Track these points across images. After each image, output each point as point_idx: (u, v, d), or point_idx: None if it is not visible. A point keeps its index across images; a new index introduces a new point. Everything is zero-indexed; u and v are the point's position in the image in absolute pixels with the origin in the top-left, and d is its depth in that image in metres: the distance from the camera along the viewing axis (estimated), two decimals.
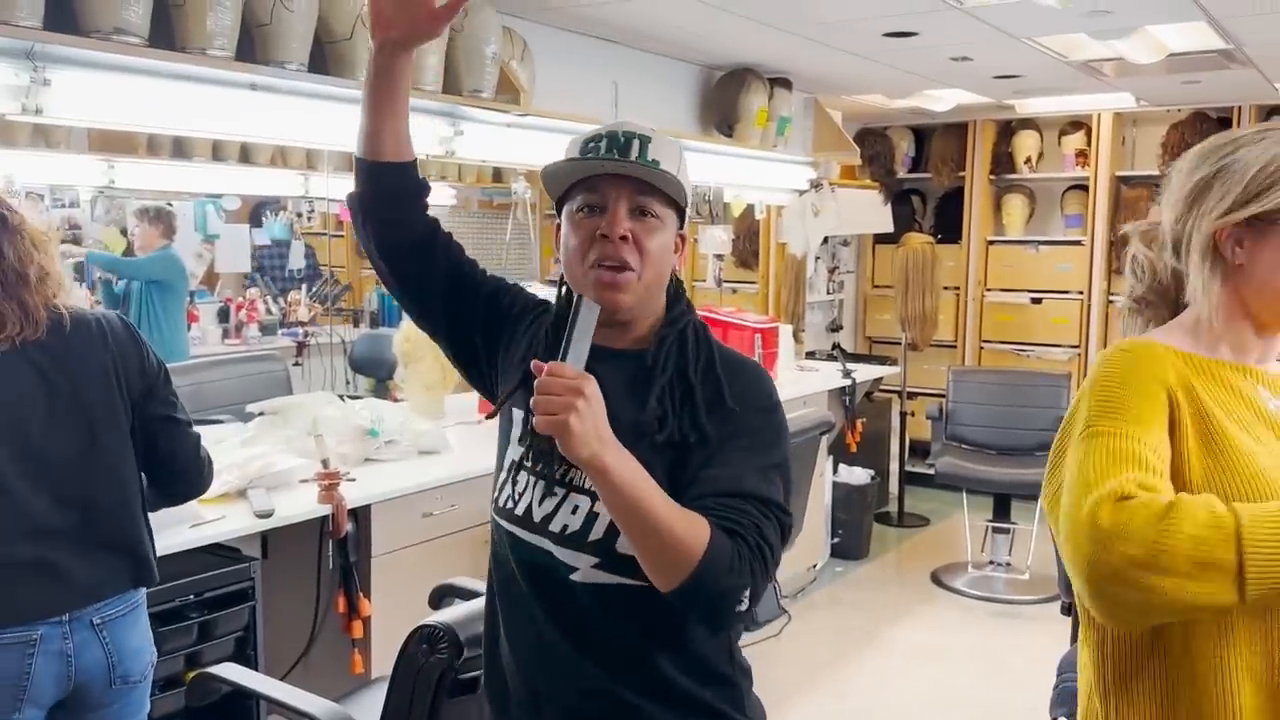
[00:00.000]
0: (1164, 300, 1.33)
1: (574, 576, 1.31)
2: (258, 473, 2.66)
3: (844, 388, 4.78)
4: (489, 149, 3.51)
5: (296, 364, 5.93)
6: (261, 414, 3.14)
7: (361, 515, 2.73)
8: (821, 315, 6.30)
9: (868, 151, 6.42)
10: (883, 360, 5.87)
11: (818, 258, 5.77)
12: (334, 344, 6.18)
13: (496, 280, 1.51)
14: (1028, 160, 6.51)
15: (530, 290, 1.53)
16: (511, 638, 1.40)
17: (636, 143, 1.32)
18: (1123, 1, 3.42)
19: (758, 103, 4.57)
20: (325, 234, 6.85)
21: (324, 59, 2.87)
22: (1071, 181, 6.45)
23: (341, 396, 3.33)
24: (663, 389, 1.32)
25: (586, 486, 1.29)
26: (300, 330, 6.16)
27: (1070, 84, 5.23)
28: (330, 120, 2.94)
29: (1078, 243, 6.36)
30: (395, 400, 4.11)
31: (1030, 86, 5.30)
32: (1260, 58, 4.36)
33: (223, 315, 6.04)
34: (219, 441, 2.79)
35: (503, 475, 1.40)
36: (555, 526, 1.32)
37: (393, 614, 2.77)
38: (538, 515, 1.33)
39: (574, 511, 1.31)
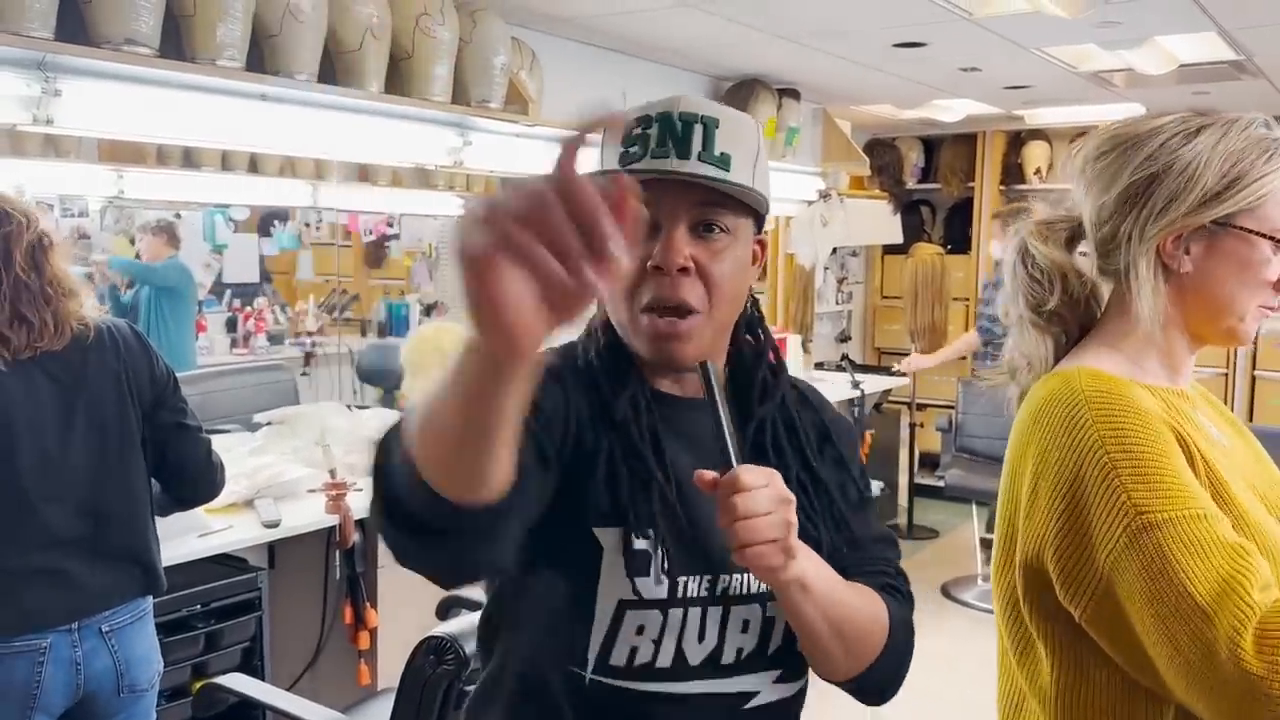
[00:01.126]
0: (1074, 313, 1.15)
1: (750, 704, 1.05)
2: (265, 482, 2.66)
3: (853, 399, 4.76)
4: (498, 159, 3.51)
5: (304, 374, 5.94)
6: (269, 424, 3.15)
7: (369, 526, 2.72)
8: (830, 326, 6.28)
9: (877, 162, 6.41)
10: (891, 371, 5.85)
11: (826, 268, 5.76)
12: (341, 354, 6.20)
13: (541, 428, 0.98)
14: (1037, 171, 6.50)
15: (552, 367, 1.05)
16: None
17: (699, 130, 0.99)
18: (1132, 12, 3.41)
19: (766, 113, 4.57)
20: (334, 244, 6.88)
21: (333, 70, 2.87)
22: None
23: (349, 407, 3.33)
24: (806, 479, 1.08)
25: (748, 593, 1.03)
26: (308, 340, 6.17)
27: (1080, 94, 5.22)
28: (339, 130, 2.94)
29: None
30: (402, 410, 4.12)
31: (1040, 97, 5.29)
32: (1271, 68, 4.35)
33: (230, 325, 6.05)
34: (226, 451, 2.78)
35: (600, 624, 1.00)
36: (728, 658, 1.03)
37: (399, 625, 2.76)
38: (697, 657, 1.02)
39: (745, 630, 1.03)
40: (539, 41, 3.67)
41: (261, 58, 2.68)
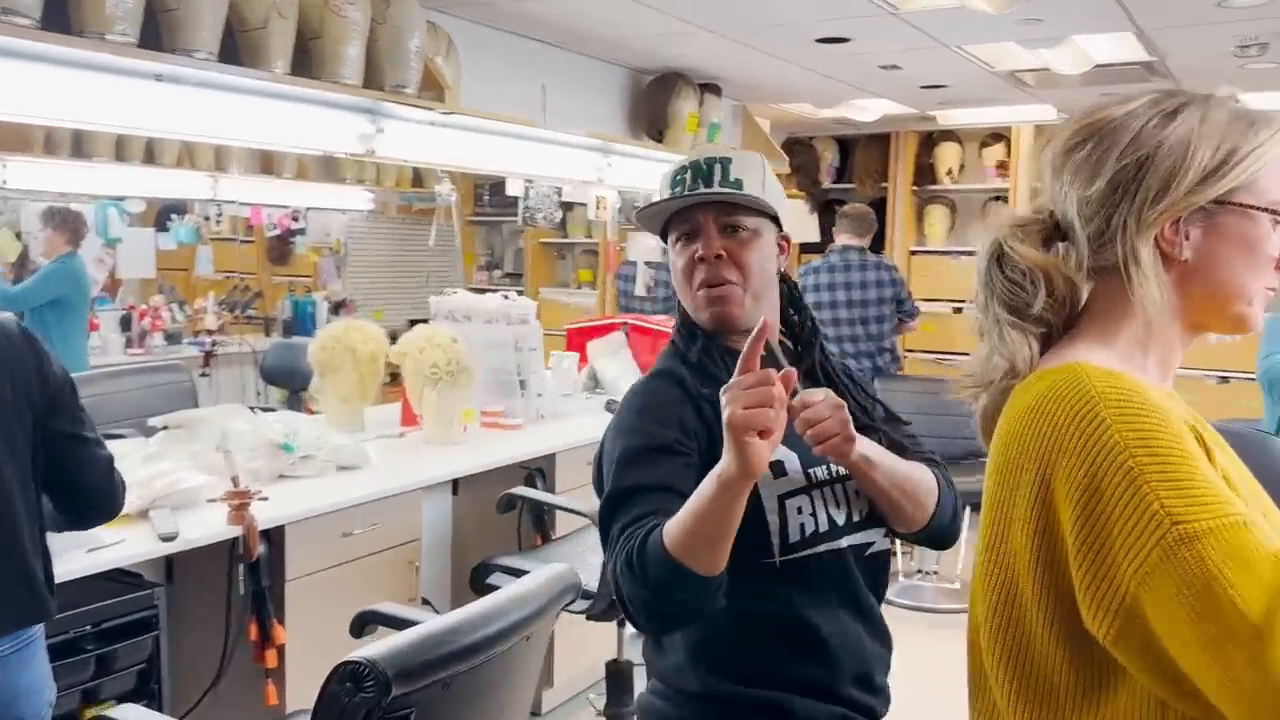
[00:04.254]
0: (1059, 314, 1.08)
1: (869, 552, 1.46)
2: (161, 491, 2.46)
3: None
4: (412, 149, 3.36)
5: (204, 374, 5.67)
6: (165, 428, 2.94)
7: (275, 536, 2.55)
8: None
9: (794, 161, 6.40)
10: None
11: None
12: (243, 354, 5.94)
13: (680, 458, 1.36)
14: (949, 171, 6.56)
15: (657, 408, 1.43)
16: (817, 638, 1.41)
17: (718, 167, 1.43)
18: (1055, 10, 3.42)
19: (688, 108, 4.49)
20: (235, 239, 6.60)
21: (235, 48, 2.69)
22: (992, 193, 6.52)
23: (253, 409, 3.14)
24: (857, 402, 1.46)
25: (837, 475, 1.43)
26: (207, 339, 5.90)
27: (994, 95, 5.27)
28: (242, 115, 2.76)
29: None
30: (311, 412, 3.92)
31: (954, 97, 5.32)
32: (1181, 69, 4.43)
33: (125, 323, 5.74)
34: (121, 458, 2.58)
35: (772, 518, 1.38)
36: (856, 518, 1.44)
37: (310, 641, 2.60)
38: (841, 519, 1.43)
39: (842, 498, 1.44)
40: (455, 27, 3.53)
41: (157, 34, 2.49)
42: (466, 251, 7.40)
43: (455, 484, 3.45)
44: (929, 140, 6.63)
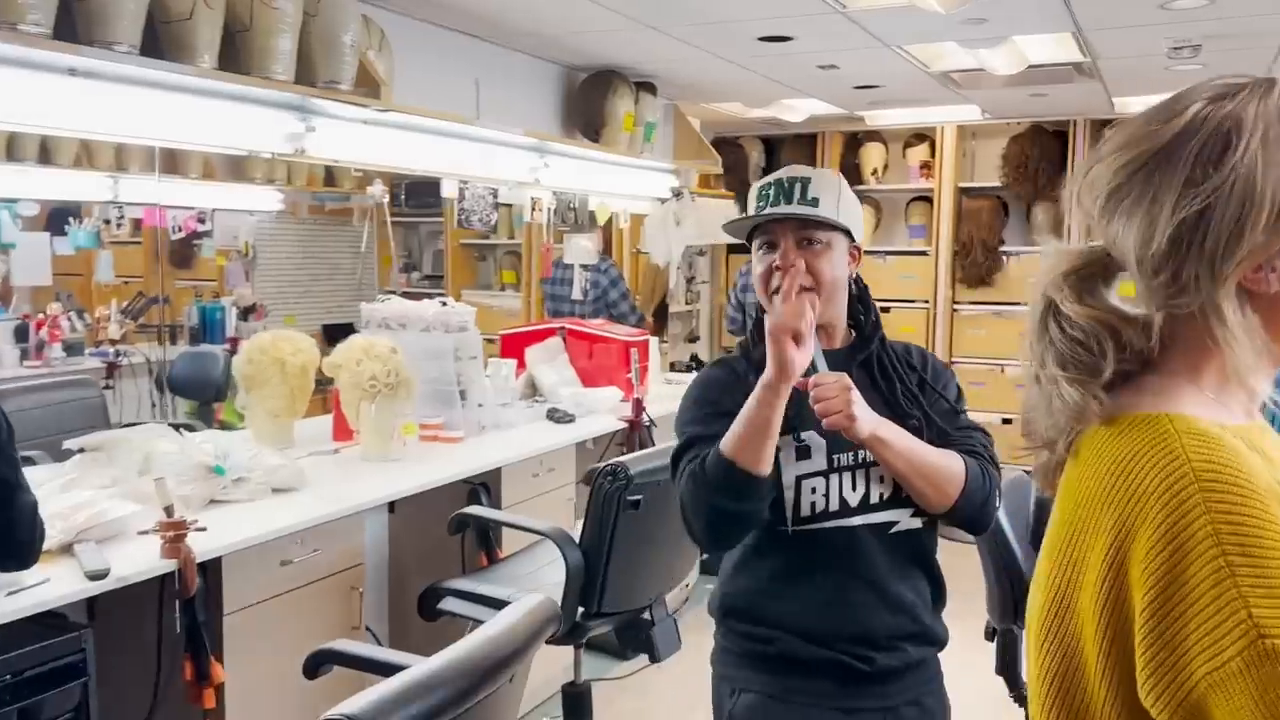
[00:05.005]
0: (1135, 362, 0.98)
1: (893, 530, 1.62)
2: (86, 524, 2.25)
3: None
4: (345, 148, 3.18)
5: (107, 387, 5.34)
6: (81, 451, 2.71)
7: (210, 568, 2.36)
8: (680, 326, 6.16)
9: (723, 161, 6.34)
10: None
11: (677, 268, 5.62)
12: (148, 364, 5.61)
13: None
14: (874, 171, 6.59)
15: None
16: (818, 598, 1.62)
17: (799, 186, 1.61)
18: (999, 9, 3.41)
19: (624, 107, 4.38)
20: (137, 242, 6.25)
21: (158, 41, 2.48)
22: (916, 193, 6.56)
23: (177, 428, 2.92)
24: (903, 390, 1.66)
25: (864, 461, 1.61)
26: (110, 350, 5.57)
27: (924, 95, 5.28)
28: (165, 112, 2.55)
29: (923, 253, 6.47)
30: (220, 423, 3.71)
31: (886, 98, 5.32)
32: (1109, 70, 4.48)
33: (20, 334, 5.37)
34: (36, 485, 2.36)
35: (788, 493, 1.62)
36: (874, 499, 1.61)
37: (250, 679, 2.42)
38: (854, 500, 1.61)
39: (882, 481, 1.61)
40: (388, 21, 3.35)
41: (73, 24, 2.27)
42: (383, 254, 7.16)
43: (392, 502, 3.27)
44: (854, 140, 6.65)
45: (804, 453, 1.61)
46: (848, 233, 1.64)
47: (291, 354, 3.24)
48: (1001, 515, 2.15)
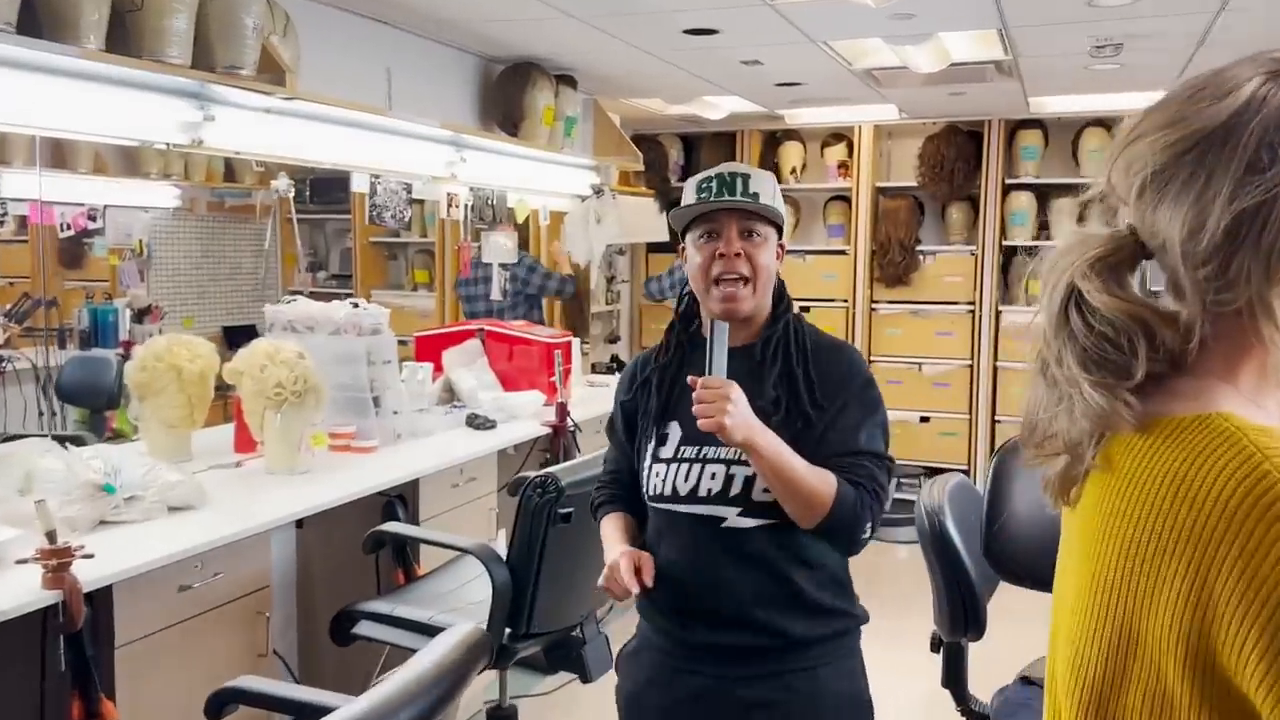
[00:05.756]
0: (1165, 363, 0.89)
1: (723, 525, 1.69)
2: None
3: None
4: (246, 139, 2.97)
5: None
6: None
7: (99, 597, 2.14)
8: (601, 327, 6.03)
9: (643, 158, 6.23)
10: None
11: (598, 267, 5.48)
12: (34, 370, 5.26)
13: (624, 432, 1.88)
14: (793, 170, 6.54)
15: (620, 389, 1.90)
16: (671, 572, 1.72)
17: (740, 180, 1.67)
18: (927, 5, 3.35)
19: (543, 100, 4.22)
20: (22, 241, 5.87)
21: (38, 19, 2.25)
22: (834, 192, 6.53)
23: (64, 441, 2.68)
24: (775, 381, 1.69)
25: (718, 458, 1.69)
26: None
27: (844, 94, 5.24)
28: (45, 98, 2.32)
29: (842, 252, 6.45)
30: (113, 432, 3.46)
31: (806, 96, 5.27)
32: (1029, 69, 4.49)
33: None
34: None
35: (644, 473, 1.76)
36: (703, 493, 1.69)
37: (146, 716, 2.21)
38: (684, 490, 1.70)
39: (710, 477, 1.69)
40: (294, 4, 3.14)
41: None
42: (287, 252, 6.88)
43: (300, 519, 3.07)
44: (773, 139, 6.60)
45: (662, 439, 1.75)
46: (779, 229, 1.73)
47: (189, 360, 3.02)
48: (949, 524, 2.06)
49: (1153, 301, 0.87)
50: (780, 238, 1.75)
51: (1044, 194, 6.13)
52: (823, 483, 1.59)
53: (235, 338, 5.02)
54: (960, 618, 2.03)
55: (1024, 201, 6.12)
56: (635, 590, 1.67)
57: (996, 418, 6.21)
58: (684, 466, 1.71)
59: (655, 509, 1.76)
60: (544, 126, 4.22)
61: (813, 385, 1.68)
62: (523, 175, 4.40)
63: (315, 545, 3.22)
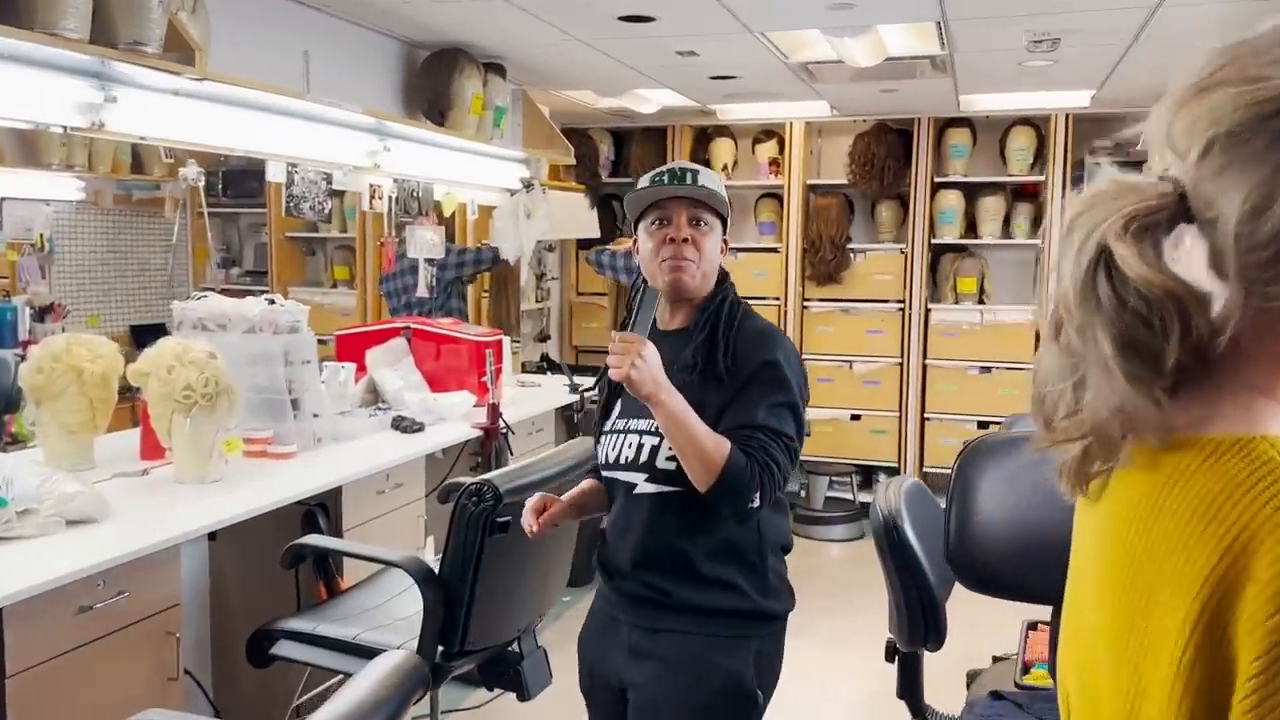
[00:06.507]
0: (1189, 356, 0.77)
1: (635, 491, 1.84)
2: None
3: (572, 405, 4.37)
4: (152, 123, 2.76)
5: None
6: None
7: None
8: (531, 325, 5.87)
9: (574, 152, 6.09)
10: (595, 371, 5.53)
11: (528, 264, 5.33)
12: None
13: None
14: (725, 167, 6.46)
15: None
16: (611, 535, 1.92)
17: (690, 175, 1.82)
18: None
19: (472, 88, 4.06)
20: None
21: None
22: (765, 189, 6.47)
23: None
24: (696, 346, 1.81)
25: (636, 430, 1.84)
26: None
27: (777, 88, 5.17)
28: None
29: (773, 250, 6.38)
30: (12, 438, 3.23)
31: (741, 90, 5.18)
32: (964, 65, 4.45)
33: None
34: None
35: (596, 445, 1.96)
36: (623, 460, 1.86)
37: None
38: (611, 458, 1.88)
39: (629, 446, 1.85)
40: None
41: None
42: (198, 247, 6.59)
43: (213, 531, 2.87)
44: (704, 135, 6.52)
45: (608, 415, 1.94)
46: (724, 222, 1.87)
47: (90, 361, 2.80)
48: (908, 530, 1.97)
49: (1189, 281, 0.76)
50: (725, 231, 1.88)
51: (972, 192, 6.15)
52: (716, 447, 1.69)
53: (143, 337, 4.76)
54: (920, 627, 1.94)
55: (953, 200, 6.13)
56: (531, 527, 1.87)
57: (926, 415, 6.21)
58: (615, 437, 1.89)
59: (605, 477, 1.94)
60: (472, 116, 4.06)
61: (729, 354, 1.79)
62: (450, 167, 4.22)
63: (229, 559, 3.02)
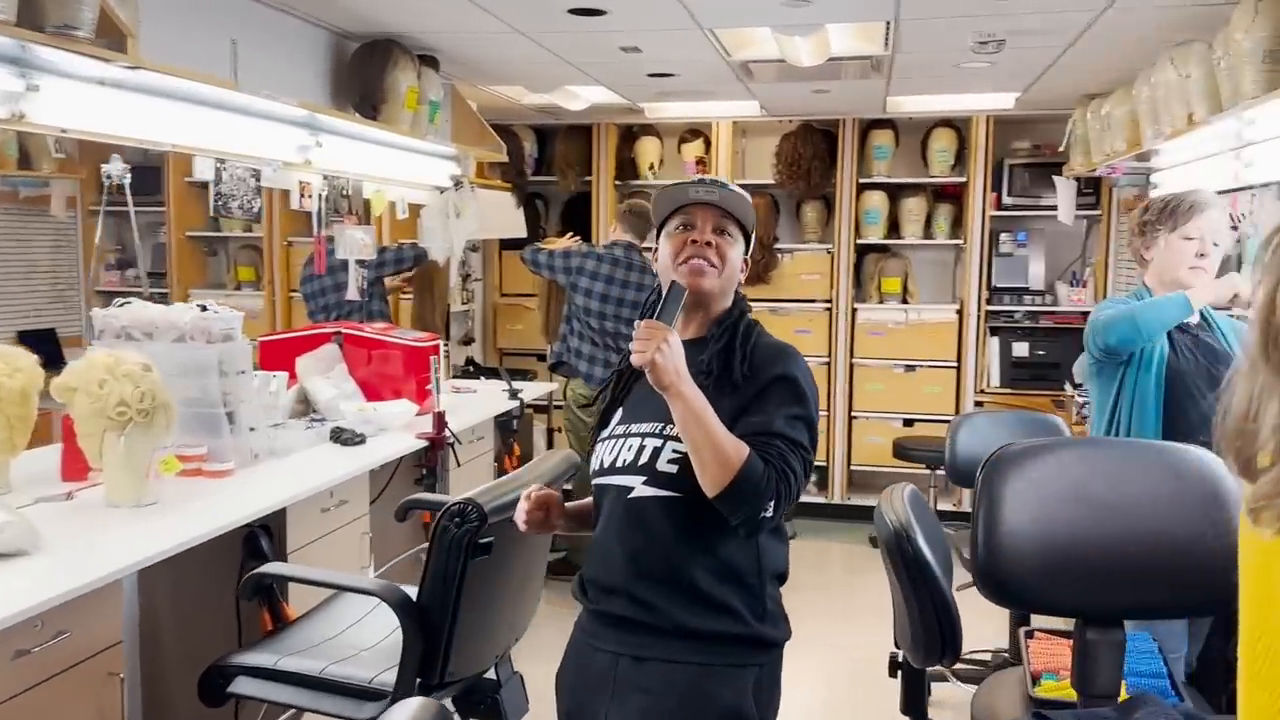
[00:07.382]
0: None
1: (630, 496, 1.74)
2: None
3: (511, 411, 4.21)
4: (76, 114, 2.52)
5: None
6: None
7: None
8: (456, 328, 5.67)
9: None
10: (524, 374, 5.37)
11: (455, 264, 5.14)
12: None
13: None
14: (651, 166, 6.39)
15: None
16: (594, 545, 1.82)
17: (720, 187, 1.80)
18: None
19: (406, 81, 3.87)
20: None
21: None
22: None
23: None
24: (713, 355, 1.75)
25: (639, 434, 1.76)
26: None
27: (712, 87, 5.10)
28: None
29: None
30: None
31: (674, 88, 5.09)
32: (903, 65, 4.44)
33: None
34: None
35: (595, 449, 1.85)
36: (620, 464, 1.76)
37: None
38: (606, 463, 1.79)
39: (628, 449, 1.76)
40: None
41: None
42: (87, 244, 6.19)
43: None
44: (629, 134, 6.42)
45: (607, 423, 1.86)
46: (747, 239, 1.84)
47: (7, 375, 2.55)
48: (921, 542, 1.90)
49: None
50: (746, 251, 1.85)
51: (895, 193, 6.19)
52: (737, 447, 1.62)
53: (31, 343, 4.44)
54: (937, 641, 1.87)
55: (877, 200, 6.17)
56: (521, 521, 1.82)
57: (853, 414, 6.24)
58: (613, 442, 1.80)
59: (597, 484, 1.83)
60: (407, 110, 3.87)
61: (746, 363, 1.74)
62: (383, 163, 4.02)
63: (161, 589, 2.79)
